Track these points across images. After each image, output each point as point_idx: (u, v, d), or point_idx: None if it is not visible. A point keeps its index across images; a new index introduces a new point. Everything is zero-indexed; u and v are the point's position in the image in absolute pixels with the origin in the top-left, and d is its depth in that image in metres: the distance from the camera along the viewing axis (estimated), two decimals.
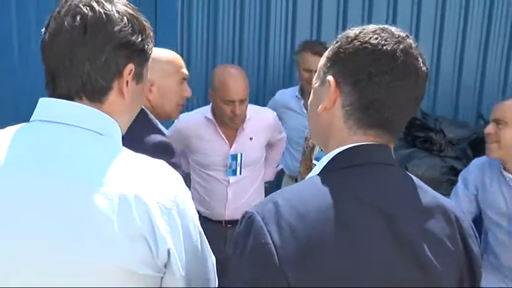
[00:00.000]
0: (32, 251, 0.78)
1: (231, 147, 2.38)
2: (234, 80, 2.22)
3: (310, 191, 0.79)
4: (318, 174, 0.84)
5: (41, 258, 0.78)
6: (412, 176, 0.89)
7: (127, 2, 0.94)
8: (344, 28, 3.16)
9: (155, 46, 3.13)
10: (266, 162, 2.67)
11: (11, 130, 0.87)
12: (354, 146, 0.83)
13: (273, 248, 0.72)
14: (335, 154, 0.84)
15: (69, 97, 0.87)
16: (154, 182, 0.84)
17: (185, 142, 2.41)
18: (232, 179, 2.38)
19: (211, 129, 2.36)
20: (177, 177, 0.90)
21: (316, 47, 2.87)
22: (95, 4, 0.87)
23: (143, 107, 1.63)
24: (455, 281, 0.82)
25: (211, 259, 0.95)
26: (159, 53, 1.70)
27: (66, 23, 0.85)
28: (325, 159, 0.86)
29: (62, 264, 0.78)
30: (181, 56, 3.52)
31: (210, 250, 0.96)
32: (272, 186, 2.76)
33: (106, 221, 0.77)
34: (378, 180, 0.82)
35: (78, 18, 0.85)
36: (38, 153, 0.82)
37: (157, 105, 1.70)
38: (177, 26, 3.62)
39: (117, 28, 0.87)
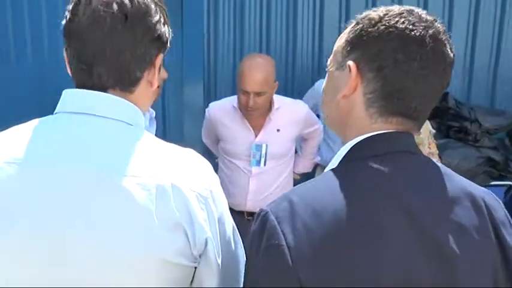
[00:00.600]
0: (70, 243, 0.77)
1: (257, 137, 2.36)
2: (252, 71, 2.17)
3: (327, 187, 0.75)
4: (337, 167, 0.81)
5: (79, 250, 0.77)
6: (438, 163, 0.83)
7: None
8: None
9: (181, 39, 3.15)
10: (302, 154, 2.63)
11: (37, 123, 0.86)
12: (375, 135, 0.79)
13: (286, 249, 0.69)
14: (354, 143, 0.80)
15: (104, 87, 0.85)
16: (189, 170, 0.83)
17: (214, 129, 2.43)
18: (255, 169, 2.35)
19: (237, 118, 2.35)
20: (208, 166, 0.89)
21: None
22: None
23: None
24: (487, 273, 0.76)
25: (243, 255, 0.94)
26: None
27: (104, 12, 0.83)
28: (344, 150, 0.82)
29: (100, 256, 0.77)
30: (208, 48, 3.57)
31: (241, 240, 0.95)
32: (306, 179, 2.72)
33: (145, 212, 0.76)
34: (400, 171, 0.77)
35: (116, 6, 0.83)
36: (70, 146, 0.81)
37: None
38: (203, 20, 3.62)
39: (154, 20, 0.87)
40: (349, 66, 0.80)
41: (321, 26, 3.40)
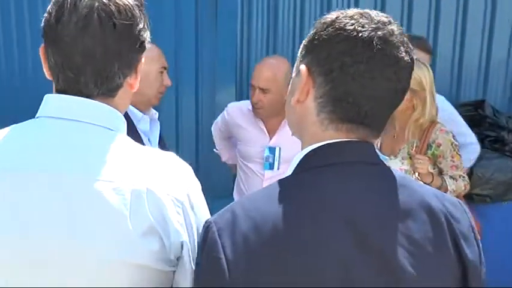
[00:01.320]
0: (43, 249, 0.77)
1: (271, 140, 2.35)
2: (261, 67, 2.20)
3: (271, 198, 0.73)
4: (287, 177, 0.79)
5: (52, 256, 0.77)
6: (399, 174, 0.80)
7: None
8: (409, 15, 3.03)
9: (216, 40, 3.18)
10: None
11: (19, 127, 0.86)
12: (326, 144, 0.77)
13: (225, 263, 0.69)
14: (306, 153, 0.78)
15: (89, 93, 0.86)
16: (166, 175, 0.83)
17: (229, 129, 2.44)
18: (268, 173, 2.33)
19: (253, 120, 2.34)
20: (187, 170, 0.88)
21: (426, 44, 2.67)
22: None
23: None
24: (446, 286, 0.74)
25: None
26: None
27: (90, 18, 0.82)
28: (296, 159, 0.80)
29: (74, 261, 0.77)
30: (241, 49, 3.58)
31: None
32: None
33: (119, 217, 0.77)
34: (352, 182, 0.74)
35: (102, 13, 0.82)
36: (48, 151, 0.81)
37: (140, 88, 1.77)
38: (237, 20, 3.65)
39: (139, 27, 0.88)
40: (300, 70, 0.79)
41: None
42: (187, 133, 3.78)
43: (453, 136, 2.07)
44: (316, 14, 3.37)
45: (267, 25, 3.53)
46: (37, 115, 0.87)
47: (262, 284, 0.68)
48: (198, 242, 0.76)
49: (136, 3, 0.89)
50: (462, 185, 2.05)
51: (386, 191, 0.76)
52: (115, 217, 0.77)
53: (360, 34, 0.74)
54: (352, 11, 0.78)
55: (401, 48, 0.76)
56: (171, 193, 0.81)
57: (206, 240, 0.72)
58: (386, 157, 2.08)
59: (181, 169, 0.87)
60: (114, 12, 0.83)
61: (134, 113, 1.77)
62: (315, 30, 0.80)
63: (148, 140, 1.84)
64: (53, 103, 0.86)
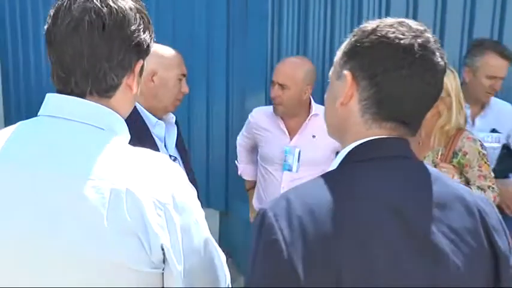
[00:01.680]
0: (22, 244, 0.79)
1: (291, 141, 2.34)
2: (282, 64, 2.25)
3: (323, 186, 0.79)
4: (334, 169, 0.85)
5: (31, 251, 0.79)
6: (432, 168, 0.87)
7: None
8: (442, 26, 2.92)
9: (246, 45, 3.19)
10: None
11: (23, 124, 0.89)
12: (370, 140, 0.84)
13: (283, 245, 0.72)
14: (351, 148, 0.85)
15: (81, 93, 0.88)
16: (149, 176, 0.83)
17: (253, 133, 2.46)
18: (287, 176, 2.31)
19: (275, 121, 2.37)
20: (177, 172, 0.88)
21: (504, 50, 2.39)
22: (109, 1, 0.87)
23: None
24: (480, 276, 0.79)
25: (220, 261, 0.93)
26: (164, 49, 1.83)
27: (82, 19, 0.84)
28: (342, 154, 0.87)
29: (52, 257, 0.78)
30: (271, 54, 3.59)
31: (220, 252, 0.94)
32: None
33: (96, 215, 0.77)
34: (392, 174, 0.82)
35: (94, 15, 0.85)
36: (37, 147, 0.83)
37: (156, 94, 1.78)
38: (267, 24, 3.65)
39: (133, 28, 0.88)
40: (345, 75, 0.85)
41: None
42: (217, 137, 3.82)
43: (481, 145, 1.97)
44: (346, 18, 3.32)
45: (297, 26, 3.51)
46: (38, 113, 0.90)
47: (318, 265, 0.72)
48: (253, 228, 0.77)
49: (137, 6, 0.91)
50: (491, 195, 1.96)
51: (424, 183, 0.82)
52: (92, 215, 0.77)
53: (402, 41, 0.81)
54: (390, 20, 0.85)
55: (437, 53, 0.83)
56: (153, 194, 0.80)
57: (263, 225, 0.76)
58: None
59: (168, 171, 0.87)
60: (105, 14, 0.85)
61: (149, 118, 1.78)
62: (355, 38, 0.86)
63: (165, 145, 1.84)
64: (49, 102, 0.89)
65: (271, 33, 3.62)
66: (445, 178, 0.87)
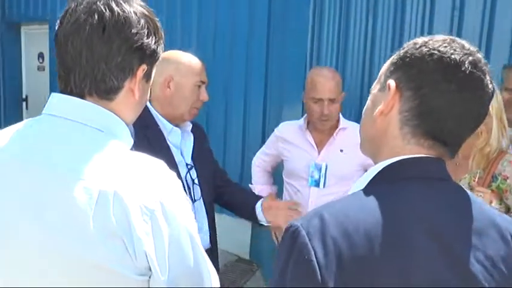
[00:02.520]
0: (21, 233, 0.81)
1: (319, 155, 2.28)
2: (324, 79, 2.17)
3: (359, 206, 0.75)
4: (367, 187, 0.81)
5: (27, 242, 0.80)
6: (467, 191, 0.84)
7: (143, 3, 0.94)
8: (489, 38, 2.80)
9: (286, 55, 3.18)
10: None
11: (28, 122, 0.92)
12: (406, 158, 0.80)
13: (317, 266, 0.69)
14: (386, 165, 0.81)
15: (80, 93, 0.89)
16: (140, 181, 0.82)
17: (278, 147, 2.40)
18: (314, 192, 2.24)
19: (302, 135, 2.31)
20: (171, 181, 0.87)
21: None
22: (113, 4, 0.88)
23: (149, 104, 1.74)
24: None
25: (208, 274, 0.92)
26: (182, 55, 1.80)
27: (84, 21, 0.87)
28: (373, 170, 0.83)
29: (42, 251, 0.79)
30: (311, 64, 3.56)
31: (210, 264, 0.92)
32: None
33: (82, 215, 0.78)
34: (430, 196, 0.78)
35: (96, 17, 0.87)
36: (33, 144, 0.85)
37: (172, 101, 1.76)
38: (307, 36, 3.63)
39: (134, 31, 0.89)
40: (388, 84, 0.83)
41: None
42: (253, 146, 3.82)
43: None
44: (387, 37, 3.26)
45: (338, 38, 3.48)
46: (42, 111, 0.91)
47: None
48: (281, 245, 0.75)
49: (144, 11, 0.92)
50: None
51: (461, 207, 0.80)
52: (78, 214, 0.78)
53: (453, 56, 0.79)
54: (443, 37, 0.83)
55: (487, 76, 0.81)
56: (140, 200, 0.80)
57: (295, 243, 0.72)
58: None
59: (161, 178, 0.86)
60: (107, 17, 0.87)
61: (165, 125, 1.77)
62: (405, 49, 0.84)
63: (181, 153, 1.82)
64: (52, 101, 0.91)
65: (311, 46, 3.60)
66: (480, 202, 0.84)
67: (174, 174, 0.89)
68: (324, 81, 2.16)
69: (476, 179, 1.82)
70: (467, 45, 0.82)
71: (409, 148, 0.81)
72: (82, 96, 0.89)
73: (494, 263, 0.76)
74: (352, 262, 0.69)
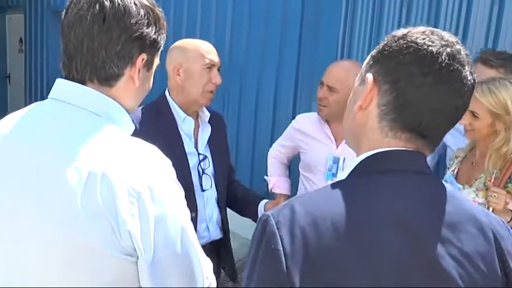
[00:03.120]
0: (19, 211, 0.85)
1: (338, 148, 2.22)
2: (333, 66, 2.13)
3: (329, 197, 0.76)
4: (344, 179, 0.82)
5: (23, 219, 0.85)
6: (448, 185, 0.82)
7: None
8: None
9: (317, 49, 3.15)
10: None
11: (35, 105, 0.98)
12: (384, 151, 0.80)
13: (282, 255, 0.70)
14: (363, 158, 0.82)
15: (82, 79, 0.94)
16: (130, 164, 0.85)
17: (295, 140, 2.36)
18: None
19: (320, 127, 2.25)
20: (161, 165, 0.90)
21: (489, 57, 2.26)
22: None
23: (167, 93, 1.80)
24: None
25: (197, 257, 0.94)
26: (189, 42, 1.82)
27: (86, 11, 0.91)
28: (354, 163, 0.84)
29: (30, 227, 0.84)
30: (342, 58, 3.52)
31: (198, 248, 0.94)
32: None
33: (71, 194, 0.81)
34: (405, 189, 0.78)
35: (97, 8, 0.91)
36: (36, 126, 0.91)
37: (184, 87, 1.78)
38: (339, 30, 3.59)
39: (133, 21, 0.92)
40: (367, 78, 0.83)
41: (464, 35, 3.06)
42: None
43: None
44: (422, 17, 3.17)
45: (370, 33, 3.42)
46: (48, 96, 0.97)
47: (317, 278, 0.70)
48: (253, 235, 0.77)
49: (145, 3, 0.96)
50: None
51: (437, 201, 0.78)
52: (69, 193, 0.81)
53: (430, 48, 0.78)
54: (423, 28, 0.82)
55: (466, 67, 0.79)
56: (128, 182, 0.83)
57: (265, 232, 0.74)
58: (460, 186, 1.84)
59: (152, 161, 0.89)
60: (107, 6, 0.91)
61: (178, 113, 1.81)
62: (385, 42, 0.84)
63: (195, 142, 1.85)
64: (56, 86, 0.96)
65: (342, 40, 3.56)
66: (461, 197, 0.82)
67: (168, 161, 0.92)
68: (334, 68, 2.12)
69: (492, 179, 1.75)
70: (446, 36, 0.80)
71: (386, 141, 0.81)
72: (83, 82, 0.94)
73: (472, 259, 0.74)
74: (318, 251, 0.70)
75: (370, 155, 0.81)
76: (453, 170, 1.93)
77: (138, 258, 0.85)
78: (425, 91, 0.77)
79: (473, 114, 1.76)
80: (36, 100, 5.75)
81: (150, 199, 0.84)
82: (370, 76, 0.82)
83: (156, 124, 1.76)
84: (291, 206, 0.75)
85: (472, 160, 1.89)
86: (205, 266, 0.96)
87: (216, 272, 1.76)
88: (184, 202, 0.93)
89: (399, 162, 0.80)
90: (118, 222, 0.81)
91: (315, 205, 0.75)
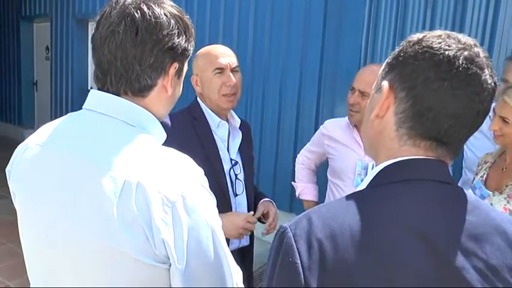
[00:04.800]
0: (45, 223, 0.88)
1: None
2: (364, 71, 2.11)
3: (348, 209, 0.74)
4: (363, 190, 0.80)
5: (49, 226, 0.88)
6: (473, 196, 0.79)
7: (173, 4, 0.99)
8: None
9: (340, 52, 3.11)
10: None
11: (70, 115, 0.99)
12: (403, 160, 0.78)
13: (300, 268, 0.69)
14: (383, 167, 0.79)
15: (116, 92, 0.95)
16: (164, 173, 0.86)
17: (324, 146, 2.34)
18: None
19: (349, 132, 2.23)
20: (194, 175, 0.90)
21: None
22: (145, 8, 0.93)
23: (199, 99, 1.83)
24: None
25: (229, 268, 0.94)
26: (204, 50, 1.83)
27: (118, 25, 0.92)
28: (372, 174, 0.81)
29: (66, 235, 0.86)
30: (365, 61, 3.49)
31: (231, 259, 0.94)
32: None
33: (107, 202, 0.83)
34: (425, 200, 0.74)
35: (129, 21, 0.91)
36: (73, 136, 0.92)
37: (205, 95, 1.82)
38: (362, 33, 3.56)
39: (165, 32, 0.94)
40: (382, 86, 0.81)
41: (491, 44, 3.00)
42: (306, 139, 3.83)
43: None
44: (448, 19, 3.13)
45: (394, 37, 3.38)
46: (83, 107, 0.99)
47: None
48: (271, 247, 0.76)
49: (174, 12, 0.97)
50: None
51: (460, 212, 0.75)
52: (105, 202, 0.83)
53: (446, 52, 0.75)
54: (439, 32, 0.80)
55: (486, 70, 0.76)
56: (162, 191, 0.84)
57: (282, 244, 0.73)
58: (490, 192, 1.80)
59: (185, 171, 0.89)
60: (139, 20, 0.92)
61: (213, 119, 1.83)
62: (400, 48, 0.81)
63: (228, 147, 1.86)
64: (91, 97, 0.98)
65: (366, 43, 3.53)
66: (486, 208, 0.78)
67: (201, 170, 0.93)
68: (365, 73, 2.10)
69: None
70: (463, 39, 0.78)
71: (405, 149, 0.79)
72: (117, 94, 0.95)
73: (498, 272, 0.71)
74: (335, 264, 0.69)
75: (389, 165, 0.79)
76: (482, 176, 1.89)
77: (170, 266, 0.86)
78: (442, 97, 0.74)
79: (504, 120, 1.71)
80: (61, 106, 5.92)
81: (183, 208, 0.85)
82: (385, 83, 0.80)
83: (193, 128, 1.79)
84: (309, 217, 0.73)
85: (502, 166, 1.84)
86: (235, 274, 0.96)
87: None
88: (216, 211, 0.94)
89: (419, 172, 0.77)
90: (152, 230, 0.82)
91: (333, 217, 0.73)
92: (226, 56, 1.81)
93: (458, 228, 0.73)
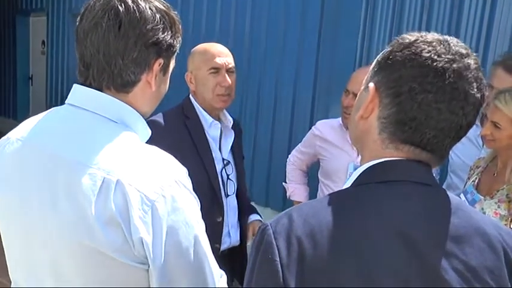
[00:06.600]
0: (23, 217, 0.88)
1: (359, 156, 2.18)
2: (359, 73, 2.08)
3: (328, 207, 0.74)
4: (346, 189, 0.80)
5: (29, 225, 0.87)
6: (455, 198, 0.79)
7: None
8: None
9: (336, 54, 3.10)
10: None
11: (53, 110, 0.97)
12: (385, 161, 0.78)
13: (279, 265, 0.70)
14: (367, 167, 0.80)
15: (99, 87, 0.93)
16: (144, 171, 0.85)
17: (315, 147, 2.33)
18: None
19: (341, 134, 2.22)
20: (177, 174, 0.89)
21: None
22: (129, 1, 0.91)
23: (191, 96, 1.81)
24: None
25: (210, 269, 0.92)
26: (197, 48, 1.82)
27: (101, 18, 0.90)
28: (355, 174, 0.81)
29: (46, 233, 0.85)
30: (361, 63, 3.49)
31: (212, 260, 0.93)
32: None
33: (86, 200, 0.81)
34: (406, 200, 0.75)
35: (113, 14, 0.90)
36: (52, 132, 0.91)
37: (198, 93, 1.81)
38: (358, 34, 3.55)
39: (149, 27, 0.92)
40: (369, 87, 0.80)
41: (486, 46, 3.00)
42: (301, 138, 3.83)
43: None
44: (444, 22, 3.14)
45: (389, 34, 3.38)
46: (65, 101, 0.97)
47: None
48: (252, 244, 0.76)
49: (160, 7, 0.95)
50: None
51: (441, 213, 0.75)
52: (83, 200, 0.82)
53: (435, 63, 0.74)
54: (432, 37, 0.78)
55: (474, 84, 0.75)
56: (142, 190, 0.82)
57: (262, 242, 0.73)
58: (481, 197, 1.80)
59: (166, 170, 0.88)
60: (123, 13, 0.90)
61: (206, 118, 1.81)
62: (390, 49, 0.80)
63: (219, 147, 1.85)
64: (73, 92, 0.96)
65: (361, 44, 3.52)
66: (469, 210, 0.79)
67: (184, 170, 0.91)
68: (359, 75, 2.05)
69: None
70: (456, 47, 0.76)
71: (388, 152, 0.79)
72: (100, 90, 0.93)
73: (478, 273, 0.71)
74: (314, 262, 0.69)
75: (372, 165, 0.79)
76: (473, 181, 1.89)
77: (149, 267, 0.85)
78: (426, 109, 0.74)
79: (495, 125, 1.72)
80: (57, 101, 5.88)
81: (164, 208, 0.83)
82: (371, 85, 0.79)
83: (186, 128, 1.78)
84: (290, 215, 0.74)
85: (493, 171, 1.84)
86: (218, 278, 0.95)
87: (230, 279, 1.75)
88: (199, 212, 0.92)
89: (401, 173, 0.77)
90: (131, 230, 0.81)
91: (314, 215, 0.73)
92: (223, 55, 1.80)
93: (439, 229, 0.73)
